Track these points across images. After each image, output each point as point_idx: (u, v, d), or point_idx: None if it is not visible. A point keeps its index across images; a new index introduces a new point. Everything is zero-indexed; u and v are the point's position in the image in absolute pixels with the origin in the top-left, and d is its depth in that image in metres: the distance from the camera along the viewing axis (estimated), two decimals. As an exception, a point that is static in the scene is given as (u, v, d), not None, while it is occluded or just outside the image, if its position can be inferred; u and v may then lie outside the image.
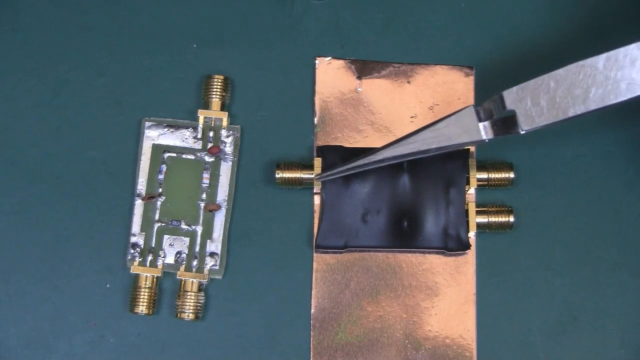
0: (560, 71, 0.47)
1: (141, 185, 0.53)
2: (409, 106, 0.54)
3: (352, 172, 0.51)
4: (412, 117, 0.54)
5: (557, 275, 0.53)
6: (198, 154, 0.53)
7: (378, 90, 0.55)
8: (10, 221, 0.53)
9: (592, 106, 0.46)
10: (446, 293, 0.53)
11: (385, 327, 0.52)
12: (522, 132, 0.47)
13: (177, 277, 0.52)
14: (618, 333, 0.52)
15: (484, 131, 0.48)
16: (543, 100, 0.47)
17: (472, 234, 0.53)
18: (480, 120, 0.48)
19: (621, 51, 0.46)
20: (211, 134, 0.53)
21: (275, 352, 0.52)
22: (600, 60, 0.46)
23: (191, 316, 0.52)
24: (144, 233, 0.53)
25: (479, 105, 0.48)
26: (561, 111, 0.47)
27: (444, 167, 0.52)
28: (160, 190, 0.53)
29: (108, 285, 0.53)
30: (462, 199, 0.52)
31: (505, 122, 0.48)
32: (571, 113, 0.47)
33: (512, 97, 0.47)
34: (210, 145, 0.53)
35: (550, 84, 0.47)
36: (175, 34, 0.55)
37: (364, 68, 0.55)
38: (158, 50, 0.55)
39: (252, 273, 0.53)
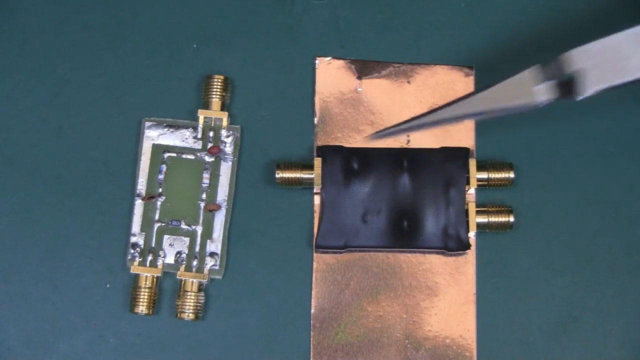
0: (626, 33, 0.44)
1: (141, 185, 0.53)
2: (409, 106, 0.54)
3: (409, 131, 0.51)
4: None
5: (557, 275, 0.53)
6: (198, 154, 0.53)
7: (378, 90, 0.55)
8: (10, 221, 0.53)
9: None
10: (446, 293, 0.53)
11: (385, 327, 0.52)
12: (582, 97, 0.45)
13: (177, 277, 0.52)
14: (618, 333, 0.52)
15: (542, 94, 0.46)
16: (606, 63, 0.44)
17: (472, 234, 0.53)
18: (540, 82, 0.46)
19: None
20: (211, 134, 0.53)
21: (275, 352, 0.52)
22: None
23: (191, 316, 0.52)
24: (144, 233, 0.53)
25: (543, 65, 0.46)
26: (625, 74, 0.44)
27: (444, 167, 0.52)
28: (160, 190, 0.53)
29: (108, 285, 0.53)
30: (462, 199, 0.52)
31: (564, 86, 0.46)
32: (637, 75, 0.44)
33: (575, 59, 0.45)
34: (210, 145, 0.53)
35: (614, 45, 0.44)
36: (175, 34, 0.55)
37: (364, 68, 0.55)
38: (158, 50, 0.55)
39: (252, 273, 0.53)
